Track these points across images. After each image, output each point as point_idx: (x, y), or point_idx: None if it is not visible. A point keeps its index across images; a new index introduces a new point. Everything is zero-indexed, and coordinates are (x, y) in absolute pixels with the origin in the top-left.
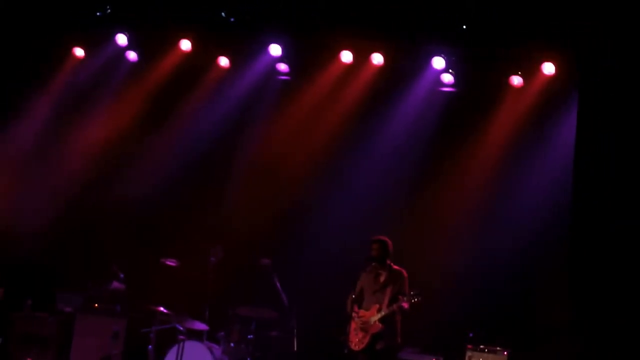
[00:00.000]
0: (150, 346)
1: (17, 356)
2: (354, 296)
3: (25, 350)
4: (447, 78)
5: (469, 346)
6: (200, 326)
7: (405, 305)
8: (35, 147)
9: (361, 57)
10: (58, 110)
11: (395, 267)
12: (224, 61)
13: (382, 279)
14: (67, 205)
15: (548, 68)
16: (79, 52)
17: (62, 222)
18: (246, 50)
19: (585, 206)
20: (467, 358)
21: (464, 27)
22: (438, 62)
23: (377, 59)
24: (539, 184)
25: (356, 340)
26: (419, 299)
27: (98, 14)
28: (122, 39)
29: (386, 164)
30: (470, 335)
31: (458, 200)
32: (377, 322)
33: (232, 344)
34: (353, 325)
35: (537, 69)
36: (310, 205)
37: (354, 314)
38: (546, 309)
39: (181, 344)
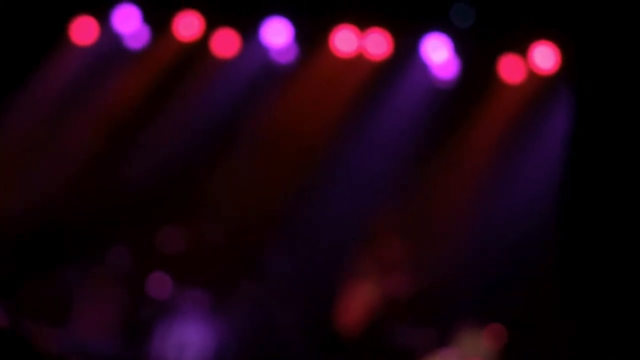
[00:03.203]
0: (151, 316)
1: (20, 325)
2: (354, 272)
3: (28, 320)
4: (440, 70)
5: (462, 322)
6: (203, 298)
7: (404, 283)
8: (38, 124)
9: (361, 42)
10: (62, 88)
11: (395, 245)
12: (226, 40)
13: (381, 256)
14: (73, 179)
15: (544, 59)
16: (82, 28)
17: (67, 196)
18: (248, 33)
19: (577, 199)
20: (459, 333)
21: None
22: (432, 54)
23: (378, 43)
24: (531, 177)
25: (352, 319)
26: (419, 277)
27: None
28: (128, 14)
29: (383, 151)
30: (463, 311)
31: (455, 188)
32: (376, 299)
33: (235, 316)
34: (349, 303)
35: (533, 60)
36: (310, 185)
37: (350, 292)
38: (538, 294)
39: (184, 315)
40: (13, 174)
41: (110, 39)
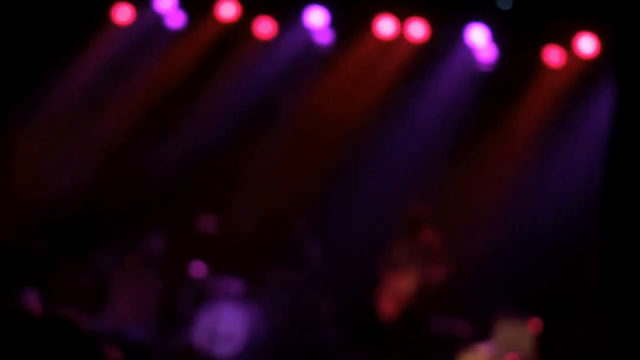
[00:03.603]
0: (184, 303)
1: (56, 311)
2: (387, 262)
3: (63, 302)
4: (484, 55)
5: (499, 314)
6: (236, 285)
7: (438, 273)
8: (77, 107)
9: (401, 27)
10: (102, 69)
11: (429, 235)
12: (264, 28)
13: (414, 247)
14: (109, 164)
15: (585, 45)
16: (120, 14)
17: (103, 181)
18: (286, 17)
19: (620, 188)
20: (496, 326)
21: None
22: (475, 38)
23: (418, 29)
24: (573, 165)
25: (388, 308)
26: (452, 269)
27: None
28: (166, 3)
29: (424, 135)
30: (501, 304)
31: (495, 175)
32: (409, 290)
33: (267, 303)
34: (386, 292)
35: (574, 46)
36: (346, 172)
37: (386, 281)
38: (580, 282)
39: (217, 302)
40: (52, 156)
41: (149, 20)
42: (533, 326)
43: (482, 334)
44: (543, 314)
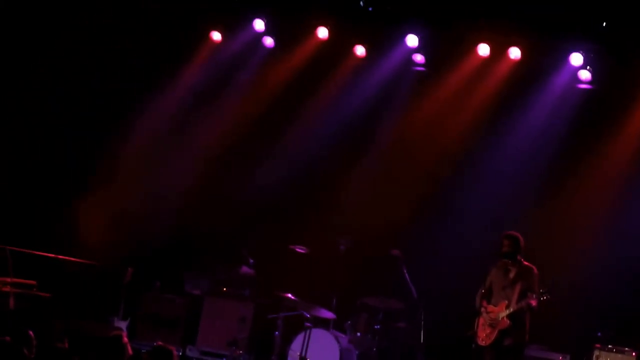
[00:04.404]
0: (276, 332)
1: (145, 337)
2: (483, 291)
3: (153, 331)
4: (585, 75)
5: (597, 345)
6: (328, 314)
7: (534, 302)
8: (170, 129)
9: (498, 51)
10: (194, 93)
11: (526, 263)
12: (360, 50)
13: (511, 275)
14: (200, 188)
15: None
16: (217, 36)
17: (193, 205)
18: (383, 40)
19: None
20: (594, 357)
21: (604, 23)
22: (576, 59)
23: (514, 53)
24: None
25: (483, 336)
26: (548, 296)
27: None
28: (259, 25)
29: (520, 161)
30: (599, 334)
31: (591, 202)
32: (505, 319)
33: (358, 334)
34: (481, 320)
35: None
36: (442, 198)
37: (482, 309)
38: None
39: (308, 331)
40: (146, 176)
41: (246, 40)
42: (633, 356)
43: None
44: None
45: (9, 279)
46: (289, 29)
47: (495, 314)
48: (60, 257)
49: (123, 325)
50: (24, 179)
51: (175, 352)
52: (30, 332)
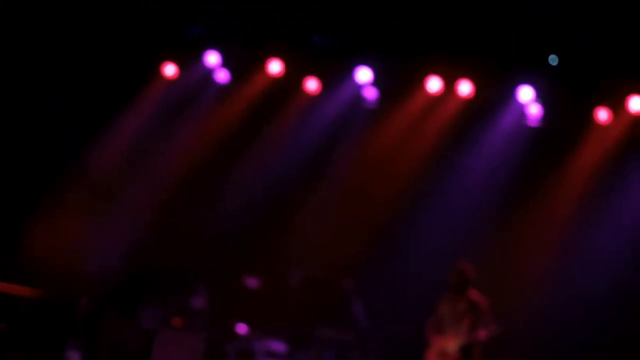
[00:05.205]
0: None
1: None
2: (433, 323)
3: None
4: (534, 111)
5: None
6: (280, 347)
7: (482, 335)
8: (123, 162)
9: (448, 86)
10: (146, 127)
11: (475, 296)
12: (312, 84)
13: (460, 308)
14: (152, 220)
15: (636, 104)
16: (170, 70)
17: (147, 235)
18: (336, 74)
19: None
20: None
21: (554, 59)
22: (525, 94)
23: (465, 88)
24: (629, 220)
25: None
26: (498, 329)
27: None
28: (213, 59)
29: (473, 194)
30: None
31: (543, 236)
32: (454, 351)
33: None
34: (431, 352)
35: (625, 104)
36: (396, 230)
37: (432, 341)
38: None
39: None
40: (100, 209)
41: (197, 75)
42: None
43: None
44: None
45: None
46: (243, 63)
47: (445, 346)
48: (13, 287)
49: (76, 356)
50: None
51: None
52: None
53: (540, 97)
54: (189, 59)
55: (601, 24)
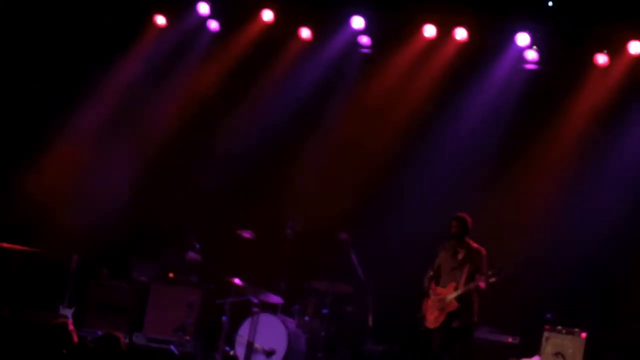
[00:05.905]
0: (224, 317)
1: (92, 324)
2: (431, 273)
3: (99, 318)
4: (531, 55)
5: (547, 327)
6: (275, 299)
7: (482, 284)
8: (116, 115)
9: (444, 32)
10: (139, 78)
11: (474, 245)
12: (305, 33)
13: (460, 256)
14: (144, 175)
15: (635, 47)
16: (161, 20)
17: (139, 191)
18: (328, 22)
19: None
20: (544, 339)
21: (550, 3)
22: (522, 39)
23: (461, 34)
24: (624, 169)
25: (432, 318)
26: (497, 278)
27: None
28: (204, 8)
29: (468, 143)
30: (548, 316)
31: (539, 183)
32: (453, 301)
33: (306, 318)
34: (429, 302)
35: (624, 47)
36: (391, 181)
37: (430, 292)
38: (628, 293)
39: (255, 316)
40: (93, 162)
41: (190, 23)
42: (582, 337)
43: (530, 345)
44: (591, 324)
45: None
46: (234, 12)
47: (444, 296)
48: (4, 244)
49: (69, 312)
50: None
51: (122, 339)
52: None
53: (536, 42)
54: (181, 9)
55: None
